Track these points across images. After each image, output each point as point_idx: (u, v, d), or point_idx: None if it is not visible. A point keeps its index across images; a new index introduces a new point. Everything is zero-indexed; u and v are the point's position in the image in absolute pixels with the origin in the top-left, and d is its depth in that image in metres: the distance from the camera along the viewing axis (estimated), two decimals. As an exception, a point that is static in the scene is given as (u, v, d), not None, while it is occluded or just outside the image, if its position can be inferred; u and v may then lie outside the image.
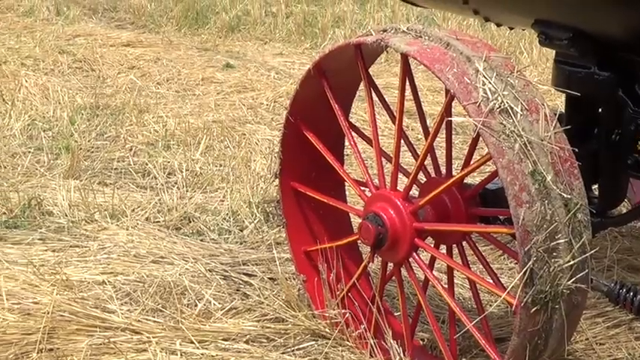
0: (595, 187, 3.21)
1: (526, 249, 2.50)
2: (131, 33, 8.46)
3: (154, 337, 3.28)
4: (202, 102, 6.41)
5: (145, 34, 8.44)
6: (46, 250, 4.12)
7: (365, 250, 3.30)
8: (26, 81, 6.66)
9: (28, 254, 4.00)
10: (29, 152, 5.33)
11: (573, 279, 2.56)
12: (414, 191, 3.06)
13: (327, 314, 3.33)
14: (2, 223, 4.35)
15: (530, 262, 2.50)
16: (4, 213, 4.44)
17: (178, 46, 8.01)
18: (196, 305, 3.56)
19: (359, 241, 3.21)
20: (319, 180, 3.39)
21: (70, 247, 4.17)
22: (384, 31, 2.95)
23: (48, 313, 3.32)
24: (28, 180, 4.93)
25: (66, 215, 4.46)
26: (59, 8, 9.32)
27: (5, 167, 5.09)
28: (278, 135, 3.81)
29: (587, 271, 2.61)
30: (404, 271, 3.04)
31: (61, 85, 6.66)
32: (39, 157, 5.28)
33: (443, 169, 3.11)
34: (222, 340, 3.33)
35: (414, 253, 2.95)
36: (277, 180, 3.49)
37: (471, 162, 2.87)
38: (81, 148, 5.40)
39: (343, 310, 3.30)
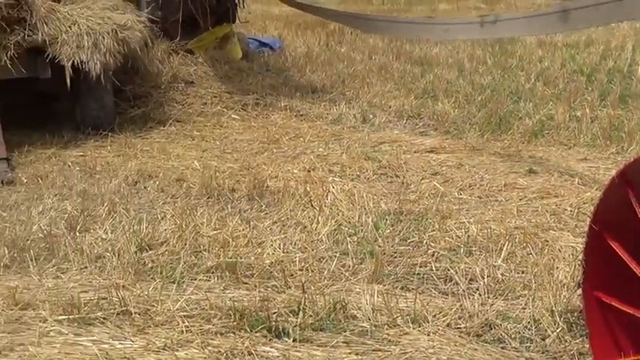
0: None
1: None
2: (434, 139, 8.58)
3: None
4: (504, 208, 6.39)
5: (448, 140, 8.54)
6: (349, 353, 4.22)
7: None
8: (333, 187, 6.89)
9: (332, 357, 4.13)
10: (335, 256, 5.50)
11: None
12: None
13: None
14: (309, 326, 4.52)
15: None
16: (311, 315, 4.61)
17: (481, 152, 8.03)
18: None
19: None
20: (625, 290, 3.29)
21: (373, 350, 4.25)
22: (694, 138, 2.85)
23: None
24: (333, 284, 5.08)
25: (369, 319, 4.56)
26: (365, 116, 9.62)
27: (313, 271, 5.29)
28: (582, 243, 3.74)
29: None
30: None
31: (367, 190, 6.85)
32: (344, 262, 5.43)
33: None
34: None
35: None
36: (580, 289, 3.41)
37: None
38: (384, 253, 5.52)
39: None
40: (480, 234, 5.78)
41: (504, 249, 5.47)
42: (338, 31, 15.98)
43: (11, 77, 8.42)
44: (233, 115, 9.82)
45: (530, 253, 5.47)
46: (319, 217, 6.18)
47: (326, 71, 12.16)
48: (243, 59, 11.67)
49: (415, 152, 8.08)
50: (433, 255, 5.55)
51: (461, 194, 6.78)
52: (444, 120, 9.33)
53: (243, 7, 11.92)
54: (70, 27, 8.70)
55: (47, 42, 8.53)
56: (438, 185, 6.92)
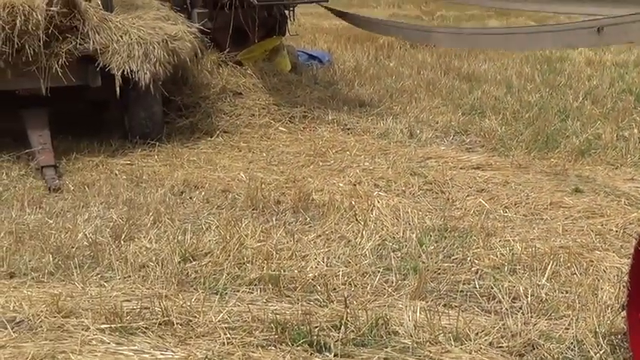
0: None
1: None
2: (481, 156, 8.53)
3: None
4: (550, 227, 6.34)
5: (495, 157, 8.48)
6: (390, 370, 4.22)
7: None
8: (378, 202, 6.88)
9: (373, 373, 4.12)
10: (378, 272, 5.49)
11: None
12: None
13: None
14: (351, 341, 4.51)
15: None
16: (353, 331, 4.60)
17: (527, 170, 7.98)
18: None
19: None
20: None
21: (414, 367, 4.25)
22: None
23: None
24: (376, 299, 5.07)
25: (411, 336, 4.55)
26: (412, 131, 9.58)
27: (356, 286, 5.28)
28: (627, 264, 3.70)
29: None
30: None
31: (412, 206, 6.83)
32: (387, 277, 5.42)
33: None
34: None
35: None
36: (624, 311, 3.37)
37: None
38: (428, 270, 5.50)
39: None
40: (525, 252, 5.74)
41: (549, 268, 5.44)
42: (387, 45, 15.96)
43: (61, 85, 8.52)
44: (280, 128, 9.85)
45: (575, 273, 5.42)
46: (363, 232, 6.18)
47: (374, 85, 12.15)
48: (291, 72, 11.72)
49: (461, 169, 8.05)
50: (477, 272, 5.52)
51: (506, 212, 6.74)
52: (491, 137, 9.27)
53: (293, 20, 11.95)
54: (121, 36, 8.78)
55: (98, 51, 8.62)
56: (484, 202, 6.89)
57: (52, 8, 8.33)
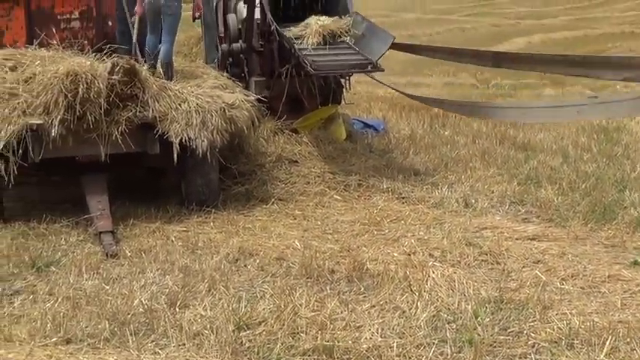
0: None
1: None
2: (537, 227, 8.46)
3: None
4: (608, 300, 6.26)
5: (551, 228, 8.40)
6: None
7: None
8: (433, 272, 6.84)
9: None
10: (433, 344, 5.46)
11: None
12: None
13: None
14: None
15: None
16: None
17: (584, 241, 7.90)
18: None
19: None
20: None
21: None
22: None
23: None
24: (429, 372, 5.05)
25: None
26: (468, 200, 9.53)
27: (410, 358, 5.25)
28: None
29: None
30: None
31: (467, 277, 6.78)
32: (442, 349, 5.38)
33: None
34: None
35: None
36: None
37: None
38: (484, 342, 5.44)
39: None
40: (582, 326, 5.67)
41: (607, 343, 5.36)
42: (442, 114, 15.97)
43: (121, 152, 8.66)
44: (335, 196, 9.86)
45: (635, 349, 5.34)
46: (418, 303, 6.15)
47: (429, 154, 12.13)
48: (347, 140, 11.75)
49: (517, 239, 7.98)
50: (533, 346, 5.46)
51: (563, 284, 6.67)
52: (547, 207, 9.19)
53: (349, 88, 12.03)
54: (179, 104, 8.93)
55: (157, 118, 8.76)
56: (540, 274, 6.82)
57: (113, 77, 8.51)
